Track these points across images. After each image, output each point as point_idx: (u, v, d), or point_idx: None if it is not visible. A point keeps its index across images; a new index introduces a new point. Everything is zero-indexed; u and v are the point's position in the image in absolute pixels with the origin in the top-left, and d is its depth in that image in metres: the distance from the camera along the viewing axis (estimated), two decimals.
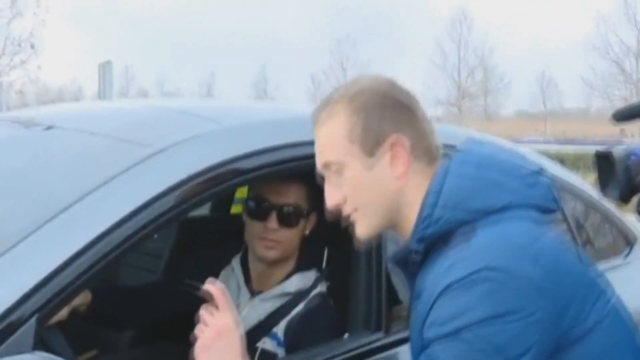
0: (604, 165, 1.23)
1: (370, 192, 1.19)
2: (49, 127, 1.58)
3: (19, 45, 19.47)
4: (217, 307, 1.17)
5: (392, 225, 1.22)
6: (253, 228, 1.72)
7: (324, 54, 51.03)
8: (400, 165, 1.18)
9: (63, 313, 1.39)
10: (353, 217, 1.21)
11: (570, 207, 2.40)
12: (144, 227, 1.20)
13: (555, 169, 2.35)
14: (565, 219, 2.34)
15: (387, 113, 1.18)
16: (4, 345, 1.02)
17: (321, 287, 1.71)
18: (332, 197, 1.22)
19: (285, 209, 1.70)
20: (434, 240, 1.13)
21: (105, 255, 1.15)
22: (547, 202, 1.19)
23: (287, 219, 1.70)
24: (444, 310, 1.05)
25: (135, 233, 1.19)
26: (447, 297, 1.05)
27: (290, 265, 1.75)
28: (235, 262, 1.82)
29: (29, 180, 1.38)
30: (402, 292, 1.55)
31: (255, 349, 1.66)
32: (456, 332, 1.02)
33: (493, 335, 1.02)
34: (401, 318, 1.53)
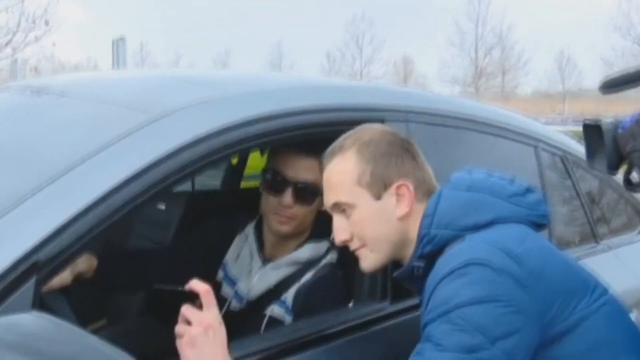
0: (593, 136, 1.24)
1: (377, 231, 1.33)
2: (60, 95, 1.58)
3: (33, 22, 19.44)
4: (199, 306, 1.17)
5: (395, 258, 1.36)
6: (268, 201, 1.72)
7: (339, 31, 50.62)
8: (404, 207, 1.33)
9: (66, 278, 1.41)
10: (359, 253, 1.35)
11: (586, 184, 2.38)
12: (143, 192, 1.19)
13: (574, 147, 2.33)
14: (578, 196, 2.31)
15: (393, 161, 1.34)
16: (2, 307, 1.01)
17: (331, 257, 1.71)
18: (340, 234, 1.35)
19: (301, 185, 1.68)
20: (432, 255, 1.27)
21: (105, 218, 1.14)
22: (534, 217, 1.32)
23: (303, 196, 1.69)
24: (435, 299, 1.17)
25: (134, 198, 1.18)
26: (438, 289, 1.17)
27: (303, 236, 1.75)
28: (250, 230, 1.82)
29: (32, 145, 1.37)
30: None
31: (264, 316, 1.66)
32: (443, 314, 1.13)
33: (474, 317, 1.11)
34: (406, 288, 1.50)
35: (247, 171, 3.50)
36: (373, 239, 1.33)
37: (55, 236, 1.08)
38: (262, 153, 3.55)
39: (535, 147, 2.15)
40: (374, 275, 1.54)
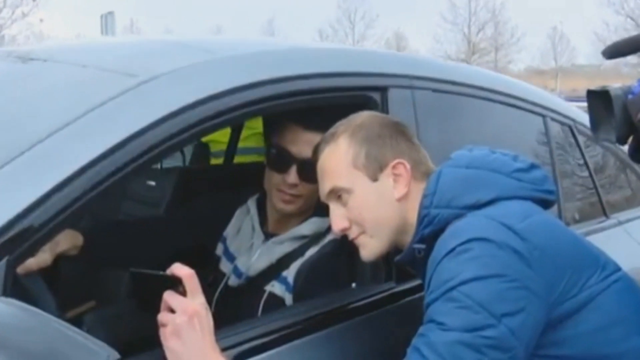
0: (598, 104, 1.15)
1: (376, 214, 1.28)
2: (44, 61, 1.49)
3: None
4: (182, 292, 1.09)
5: (398, 242, 1.31)
6: (272, 178, 1.63)
7: (332, 7, 50.16)
8: (402, 187, 1.28)
9: (46, 258, 1.31)
10: (358, 241, 1.31)
11: (595, 156, 2.30)
12: (127, 163, 1.08)
13: (583, 118, 2.25)
14: (587, 168, 2.24)
15: (387, 141, 1.30)
16: None
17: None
18: (338, 223, 1.31)
19: (306, 162, 1.56)
20: (433, 236, 1.21)
21: (86, 191, 1.03)
22: (539, 193, 1.27)
23: (308, 174, 1.56)
24: (437, 279, 1.12)
25: (117, 170, 1.07)
26: (439, 267, 1.13)
27: (308, 212, 1.67)
28: (252, 203, 1.74)
29: (7, 111, 1.26)
30: None
31: (263, 292, 1.59)
32: (446, 292, 1.09)
33: (478, 293, 1.07)
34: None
35: (217, 147, 3.41)
36: (372, 224, 1.29)
37: (29, 212, 0.97)
38: (232, 128, 3.47)
39: (544, 116, 2.08)
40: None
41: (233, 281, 1.68)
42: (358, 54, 1.69)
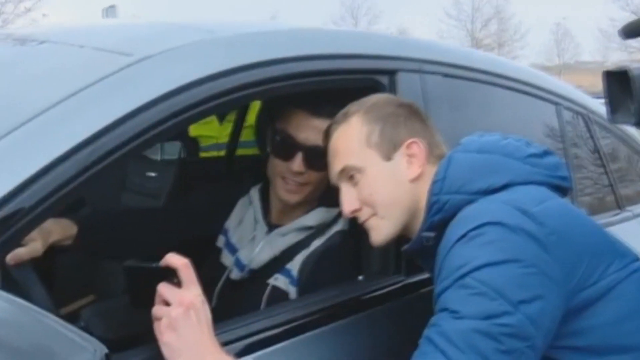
0: (616, 86, 1.10)
1: (388, 195, 1.24)
2: (41, 42, 1.44)
3: None
4: (178, 284, 1.02)
5: (407, 228, 1.26)
6: (276, 166, 1.57)
7: (335, 4, 50.07)
8: (416, 168, 1.24)
9: (37, 248, 1.25)
10: (369, 224, 1.26)
11: (609, 146, 2.24)
12: (118, 147, 1.01)
13: (597, 107, 2.20)
14: (600, 158, 2.18)
15: (401, 120, 1.26)
16: None
17: (343, 225, 1.57)
18: (348, 204, 1.27)
19: (313, 149, 1.51)
20: (443, 223, 1.16)
21: (72, 178, 0.96)
22: (555, 180, 1.22)
23: (314, 161, 1.52)
24: (448, 266, 1.07)
25: (108, 153, 1.00)
26: (451, 254, 1.08)
27: (314, 201, 1.61)
28: (254, 193, 1.67)
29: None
30: None
31: (267, 285, 1.54)
32: (458, 279, 1.04)
33: (493, 279, 1.02)
34: None
35: (207, 142, 3.37)
36: (384, 204, 1.24)
37: (14, 197, 0.91)
38: (221, 120, 3.43)
39: (557, 105, 2.02)
40: (387, 246, 1.38)
41: (235, 274, 1.62)
42: (366, 36, 1.63)
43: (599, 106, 2.21)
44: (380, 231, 1.26)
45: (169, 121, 1.07)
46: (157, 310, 1.01)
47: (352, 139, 1.26)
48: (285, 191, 1.56)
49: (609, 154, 2.23)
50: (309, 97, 1.46)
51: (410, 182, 1.24)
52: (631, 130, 2.32)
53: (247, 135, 2.85)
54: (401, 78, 1.46)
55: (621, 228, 2.01)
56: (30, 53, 1.41)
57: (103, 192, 2.49)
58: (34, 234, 1.23)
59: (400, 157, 1.25)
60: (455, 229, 1.11)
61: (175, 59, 1.16)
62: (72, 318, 1.63)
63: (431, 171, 1.23)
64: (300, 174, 1.54)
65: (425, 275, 1.38)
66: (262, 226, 1.62)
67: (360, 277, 1.45)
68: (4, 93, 1.17)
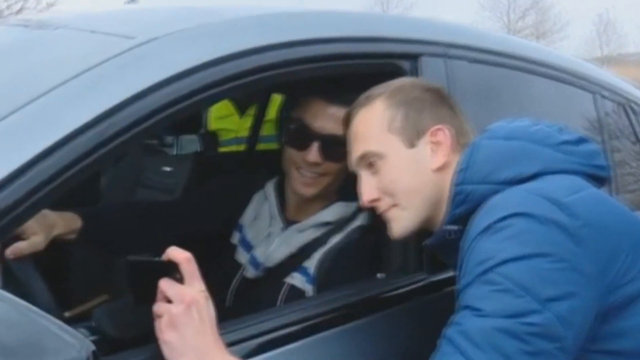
0: None
1: (409, 184, 1.21)
2: (56, 28, 1.45)
3: None
4: (180, 279, 1.00)
5: (429, 221, 1.23)
6: (291, 156, 1.55)
7: None
8: (441, 157, 1.21)
9: (38, 242, 1.25)
10: (389, 214, 1.23)
11: None
12: (117, 134, 1.00)
13: (636, 96, 2.15)
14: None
15: (427, 106, 1.23)
16: None
17: (363, 220, 1.55)
18: (367, 193, 1.24)
19: (330, 139, 1.49)
20: (467, 215, 1.13)
21: (68, 166, 0.95)
22: (591, 169, 1.18)
23: (331, 151, 1.50)
24: (471, 260, 1.04)
25: (106, 141, 0.99)
26: (474, 247, 1.04)
27: (332, 196, 1.58)
28: (270, 188, 1.66)
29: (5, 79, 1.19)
30: None
31: (283, 284, 1.52)
32: (481, 274, 1.00)
33: (519, 275, 0.98)
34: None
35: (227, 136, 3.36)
36: (405, 194, 1.21)
37: (6, 185, 0.90)
38: (241, 113, 3.42)
39: (595, 93, 1.96)
40: (408, 242, 1.38)
41: (250, 273, 1.61)
42: (386, 18, 1.60)
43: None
44: (401, 223, 1.23)
45: (172, 106, 1.06)
46: (158, 307, 0.99)
47: (373, 123, 1.23)
48: (300, 184, 1.54)
49: None
50: (324, 84, 1.44)
51: (433, 171, 1.21)
52: None
53: (268, 129, 2.83)
54: (424, 63, 1.43)
55: None
56: (42, 39, 1.42)
57: (117, 187, 2.50)
58: (36, 227, 1.23)
59: (424, 144, 1.22)
60: (478, 221, 1.07)
61: (182, 41, 1.14)
62: (83, 318, 1.63)
63: (456, 161, 1.20)
64: (316, 164, 1.51)
65: (450, 273, 1.34)
66: (278, 222, 1.61)
67: (380, 275, 1.43)
68: (10, 80, 1.17)
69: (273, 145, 2.86)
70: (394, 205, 1.22)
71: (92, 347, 0.89)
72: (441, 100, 1.26)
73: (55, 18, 1.62)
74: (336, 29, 1.36)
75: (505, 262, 0.99)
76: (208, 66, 1.11)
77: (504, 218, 1.03)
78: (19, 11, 19.41)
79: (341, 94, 1.46)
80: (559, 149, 1.17)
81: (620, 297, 1.04)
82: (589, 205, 1.06)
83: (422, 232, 1.25)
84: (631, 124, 2.11)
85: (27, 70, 1.20)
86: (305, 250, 1.54)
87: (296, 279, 1.52)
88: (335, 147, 1.48)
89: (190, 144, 3.28)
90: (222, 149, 3.39)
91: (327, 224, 1.55)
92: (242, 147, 2.99)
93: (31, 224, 1.21)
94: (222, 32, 1.20)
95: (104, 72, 1.05)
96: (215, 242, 1.69)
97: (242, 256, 1.65)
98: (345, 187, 1.56)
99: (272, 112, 2.71)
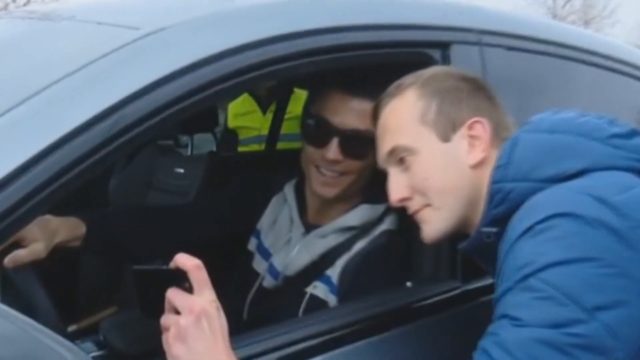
0: None
1: (444, 181, 1.20)
2: (62, 20, 1.49)
3: None
4: (189, 289, 1.00)
5: (465, 223, 1.22)
6: (309, 154, 1.55)
7: None
8: (478, 152, 1.19)
9: (39, 249, 1.26)
10: (420, 216, 1.22)
11: None
12: (123, 131, 1.01)
13: None
14: None
15: (463, 96, 1.22)
16: None
17: (390, 224, 1.55)
18: (397, 192, 1.23)
19: (351, 134, 1.49)
20: (506, 216, 1.12)
21: (70, 166, 0.96)
22: None
23: (353, 148, 1.50)
24: (510, 264, 1.04)
25: (112, 138, 1.00)
26: (513, 250, 1.04)
27: (356, 198, 1.58)
28: (289, 190, 1.67)
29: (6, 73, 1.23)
30: None
31: (304, 294, 1.52)
32: (522, 280, 1.00)
33: (563, 281, 0.97)
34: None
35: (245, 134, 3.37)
36: (438, 193, 1.20)
37: (4, 186, 0.91)
38: (264, 110, 3.44)
39: None
40: (440, 247, 1.38)
41: (268, 282, 1.61)
42: (413, 3, 1.60)
43: None
44: (434, 225, 1.21)
45: (182, 102, 1.06)
46: (166, 319, 0.99)
47: (404, 115, 1.22)
48: (320, 184, 1.54)
49: None
50: (345, 76, 1.43)
51: (470, 168, 1.19)
52: None
53: (291, 127, 2.85)
54: (456, 51, 1.43)
55: None
56: (47, 31, 1.45)
57: (126, 190, 2.53)
58: (37, 233, 1.25)
59: (460, 138, 1.20)
60: (519, 222, 1.06)
61: (191, 31, 1.15)
62: (90, 331, 1.65)
63: (496, 157, 1.18)
64: (335, 162, 1.51)
65: (486, 281, 1.35)
66: (299, 227, 1.61)
67: (409, 283, 1.43)
68: (10, 74, 1.20)
69: (297, 145, 2.87)
70: (427, 205, 1.21)
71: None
72: (479, 90, 1.25)
73: (61, 9, 1.65)
74: (358, 15, 1.36)
75: (547, 267, 0.98)
76: (220, 58, 1.11)
77: (546, 219, 1.02)
78: (26, 3, 19.78)
79: (363, 87, 1.46)
80: (609, 142, 1.15)
81: None
82: None
83: (457, 235, 1.24)
84: None
85: (29, 63, 1.22)
86: (328, 257, 1.54)
87: (318, 289, 1.52)
88: (357, 143, 1.48)
89: (205, 143, 3.30)
90: (242, 148, 3.42)
91: (351, 228, 1.55)
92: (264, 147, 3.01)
93: (32, 230, 1.23)
94: (235, 21, 1.21)
95: (108, 65, 1.07)
96: (231, 249, 1.70)
97: (259, 264, 1.65)
98: (370, 188, 1.56)
99: (297, 108, 2.72)
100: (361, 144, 1.47)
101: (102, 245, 1.51)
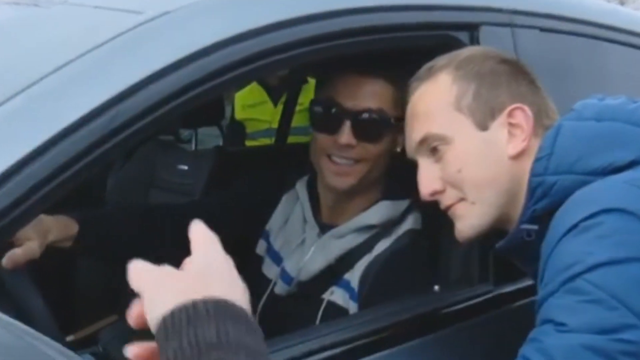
0: None
1: (480, 174, 1.19)
2: (56, 4, 1.51)
3: None
4: None
5: (502, 219, 1.21)
6: (320, 142, 1.55)
7: None
8: (519, 141, 1.19)
9: (33, 249, 1.27)
10: (454, 211, 1.22)
11: None
12: (125, 125, 1.01)
13: None
14: None
15: (503, 80, 1.21)
16: None
17: (414, 222, 1.55)
18: (428, 184, 1.22)
19: (364, 116, 1.49)
20: (549, 211, 1.12)
21: (68, 163, 0.98)
22: None
23: (366, 130, 1.50)
24: (554, 265, 1.04)
25: (112, 133, 1.01)
26: (558, 250, 1.04)
27: (374, 193, 1.58)
28: (301, 187, 1.67)
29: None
30: None
31: (321, 301, 1.53)
32: (567, 282, 1.00)
33: (612, 283, 0.98)
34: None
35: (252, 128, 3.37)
36: (474, 186, 1.19)
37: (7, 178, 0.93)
38: (275, 101, 3.43)
39: None
40: (470, 247, 1.38)
41: (280, 288, 1.61)
42: None
43: None
44: (469, 221, 1.21)
45: (187, 92, 1.07)
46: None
47: (437, 100, 1.22)
48: (333, 174, 1.54)
49: None
50: (361, 57, 1.43)
51: (510, 159, 1.19)
52: None
53: (303, 119, 2.85)
54: (486, 33, 1.44)
55: None
56: (40, 16, 1.47)
57: (126, 189, 2.54)
58: (30, 232, 1.26)
59: (499, 126, 1.20)
60: (563, 219, 1.06)
61: (197, 15, 1.16)
62: (89, 342, 1.66)
63: (537, 146, 1.18)
64: (348, 147, 1.51)
65: (522, 284, 1.36)
66: (313, 227, 1.61)
67: (437, 288, 1.44)
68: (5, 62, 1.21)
69: (309, 138, 2.87)
70: (461, 200, 1.21)
71: None
72: (520, 74, 1.24)
73: None
74: None
75: (594, 267, 0.98)
76: (228, 44, 1.12)
77: (594, 215, 1.01)
78: None
79: (378, 66, 1.46)
80: None
81: None
82: None
83: (493, 233, 1.24)
84: None
85: (20, 52, 1.23)
86: (346, 260, 1.54)
87: (336, 295, 1.53)
88: (370, 124, 1.48)
89: (210, 137, 3.30)
90: (250, 143, 3.42)
91: (370, 227, 1.55)
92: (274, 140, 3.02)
93: (25, 229, 1.24)
94: (245, 4, 1.21)
95: (108, 54, 1.07)
96: (239, 253, 1.70)
97: (270, 269, 1.65)
98: (389, 183, 1.57)
99: (309, 99, 2.74)
100: (375, 125, 1.48)
101: (95, 247, 1.51)
